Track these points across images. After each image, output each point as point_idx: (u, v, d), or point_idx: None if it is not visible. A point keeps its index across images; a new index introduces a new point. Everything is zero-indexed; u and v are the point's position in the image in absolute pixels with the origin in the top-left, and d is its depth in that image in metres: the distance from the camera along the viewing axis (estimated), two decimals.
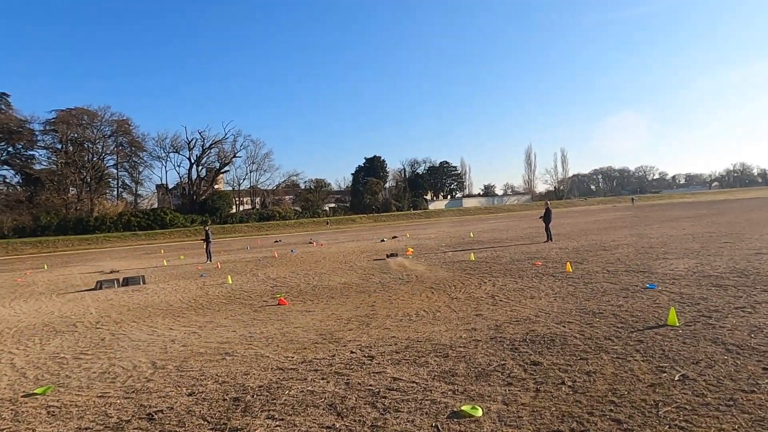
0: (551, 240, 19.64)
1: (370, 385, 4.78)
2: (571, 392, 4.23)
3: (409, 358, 5.56)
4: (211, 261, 22.13)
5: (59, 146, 74.42)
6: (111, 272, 20.21)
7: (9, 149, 72.58)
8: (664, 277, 9.58)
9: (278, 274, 15.52)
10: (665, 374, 4.47)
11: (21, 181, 72.91)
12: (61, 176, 71.58)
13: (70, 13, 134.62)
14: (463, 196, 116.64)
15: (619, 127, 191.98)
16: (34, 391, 5.30)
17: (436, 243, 24.46)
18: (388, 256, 17.97)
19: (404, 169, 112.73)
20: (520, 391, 4.35)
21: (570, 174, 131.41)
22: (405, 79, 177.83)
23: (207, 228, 24.89)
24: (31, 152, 74.39)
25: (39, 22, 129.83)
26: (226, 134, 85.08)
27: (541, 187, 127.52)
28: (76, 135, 74.18)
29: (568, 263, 12.11)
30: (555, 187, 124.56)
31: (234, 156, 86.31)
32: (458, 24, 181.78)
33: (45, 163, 74.46)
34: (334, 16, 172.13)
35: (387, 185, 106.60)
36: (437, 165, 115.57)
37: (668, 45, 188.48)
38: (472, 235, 27.67)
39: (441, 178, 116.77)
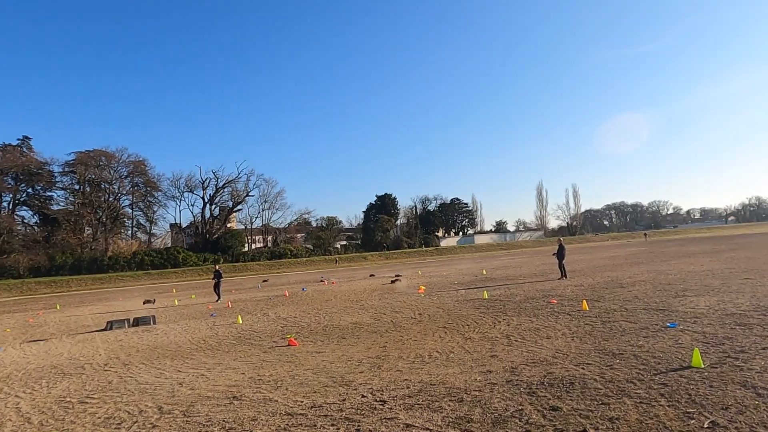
0: (565, 277, 19.31)
1: None
2: None
3: (422, 403, 5.35)
4: (220, 300, 22.03)
5: (77, 187, 76.12)
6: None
7: (28, 190, 74.38)
8: (685, 316, 9.27)
9: (289, 314, 15.35)
10: (693, 421, 4.23)
11: (38, 221, 74.28)
12: (77, 216, 72.80)
13: (91, 63, 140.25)
14: (475, 233, 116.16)
15: (630, 161, 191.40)
16: None
17: (449, 280, 24.16)
18: (392, 282, 17.75)
19: (415, 206, 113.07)
20: None
21: (582, 209, 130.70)
22: (416, 117, 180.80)
23: (217, 267, 24.94)
24: (49, 193, 76.23)
25: (61, 72, 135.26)
26: (239, 174, 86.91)
27: (553, 223, 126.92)
28: (93, 176, 75.78)
29: (584, 301, 11.82)
30: (567, 223, 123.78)
31: (247, 195, 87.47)
32: (469, 62, 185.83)
33: (62, 204, 76.07)
34: (345, 56, 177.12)
35: (398, 222, 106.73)
36: (448, 202, 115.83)
37: (683, 81, 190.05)
38: (484, 273, 27.33)
39: (452, 215, 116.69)
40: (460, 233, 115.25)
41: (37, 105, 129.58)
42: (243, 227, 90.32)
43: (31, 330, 16.56)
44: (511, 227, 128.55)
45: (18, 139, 75.57)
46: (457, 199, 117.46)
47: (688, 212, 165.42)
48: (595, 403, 4.90)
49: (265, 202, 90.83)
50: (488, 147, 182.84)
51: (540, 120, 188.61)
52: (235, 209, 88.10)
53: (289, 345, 9.73)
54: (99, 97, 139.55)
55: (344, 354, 8.46)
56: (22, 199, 73.95)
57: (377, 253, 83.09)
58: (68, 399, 6.82)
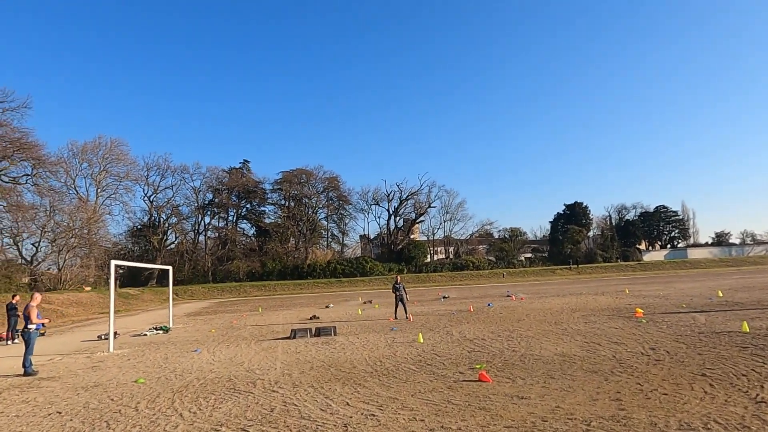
0: None
1: None
2: None
3: None
4: (397, 318, 19.05)
5: (283, 202, 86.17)
6: (311, 318, 21.13)
7: (247, 206, 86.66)
8: None
9: (475, 334, 13.27)
10: None
11: (255, 232, 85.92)
12: (284, 228, 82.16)
13: (290, 89, 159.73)
14: (687, 246, 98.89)
15: None
16: None
17: (670, 302, 19.42)
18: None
19: (609, 216, 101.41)
20: None
21: None
22: (608, 117, 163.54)
23: (399, 279, 20.38)
24: (262, 208, 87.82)
25: (270, 101, 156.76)
26: (421, 186, 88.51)
27: None
28: (296, 192, 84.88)
29: None
30: None
31: (429, 206, 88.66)
32: (673, 45, 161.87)
33: (272, 217, 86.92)
34: (523, 63, 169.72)
35: (590, 234, 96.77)
36: (651, 210, 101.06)
37: None
38: (720, 294, 21.49)
39: (657, 225, 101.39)
40: (668, 246, 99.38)
41: (252, 130, 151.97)
42: (425, 238, 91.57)
43: (230, 332, 17.51)
44: (735, 239, 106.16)
45: (240, 163, 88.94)
46: (663, 206, 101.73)
47: None
48: None
49: (447, 213, 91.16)
50: (703, 145, 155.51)
51: None
52: (417, 220, 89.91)
53: (479, 380, 7.66)
54: (299, 120, 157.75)
55: (559, 405, 6.05)
56: (242, 214, 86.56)
57: (567, 267, 75.92)
58: (223, 430, 5.80)
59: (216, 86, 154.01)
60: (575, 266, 75.66)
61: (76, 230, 54.13)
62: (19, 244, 49.97)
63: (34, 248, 50.88)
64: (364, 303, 31.56)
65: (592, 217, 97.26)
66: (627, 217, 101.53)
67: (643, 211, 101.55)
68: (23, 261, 50.49)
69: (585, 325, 13.91)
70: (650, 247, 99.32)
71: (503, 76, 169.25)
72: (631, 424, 5.19)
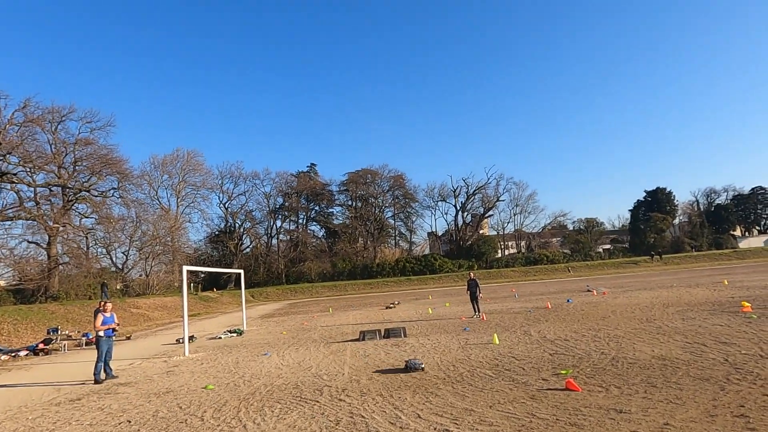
0: None
1: None
2: None
3: None
4: (477, 315, 18.50)
5: (350, 203, 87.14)
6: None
7: (316, 208, 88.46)
8: None
9: (556, 334, 12.23)
10: None
11: (324, 234, 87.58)
12: (352, 229, 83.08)
13: (356, 101, 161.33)
14: None
15: None
16: None
17: None
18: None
19: (697, 201, 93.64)
20: None
21: None
22: (690, 94, 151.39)
23: (472, 275, 20.20)
24: (330, 210, 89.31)
25: (334, 101, 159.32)
26: (488, 179, 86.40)
27: None
28: (362, 192, 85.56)
29: None
30: None
31: (497, 200, 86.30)
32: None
33: (340, 219, 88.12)
34: (613, 67, 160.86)
35: (676, 221, 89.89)
36: (746, 193, 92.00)
37: None
38: None
39: (754, 209, 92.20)
40: None
41: (317, 134, 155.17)
42: (495, 233, 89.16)
43: (301, 334, 17.48)
44: None
45: (307, 167, 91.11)
46: (761, 188, 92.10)
47: None
48: None
49: (517, 206, 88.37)
50: None
51: None
52: (486, 215, 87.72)
53: (566, 389, 6.80)
54: (363, 120, 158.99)
55: (668, 422, 5.11)
56: (312, 216, 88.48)
57: (651, 258, 70.69)
58: None
59: (280, 84, 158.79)
60: (658, 256, 70.15)
61: (161, 238, 57.63)
62: (111, 253, 53.97)
63: (124, 256, 54.78)
64: (386, 307, 28.52)
65: (676, 203, 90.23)
66: (717, 202, 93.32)
67: (737, 194, 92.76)
68: (116, 268, 54.42)
69: (683, 322, 12.43)
70: (746, 233, 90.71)
71: (572, 61, 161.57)
72: None
